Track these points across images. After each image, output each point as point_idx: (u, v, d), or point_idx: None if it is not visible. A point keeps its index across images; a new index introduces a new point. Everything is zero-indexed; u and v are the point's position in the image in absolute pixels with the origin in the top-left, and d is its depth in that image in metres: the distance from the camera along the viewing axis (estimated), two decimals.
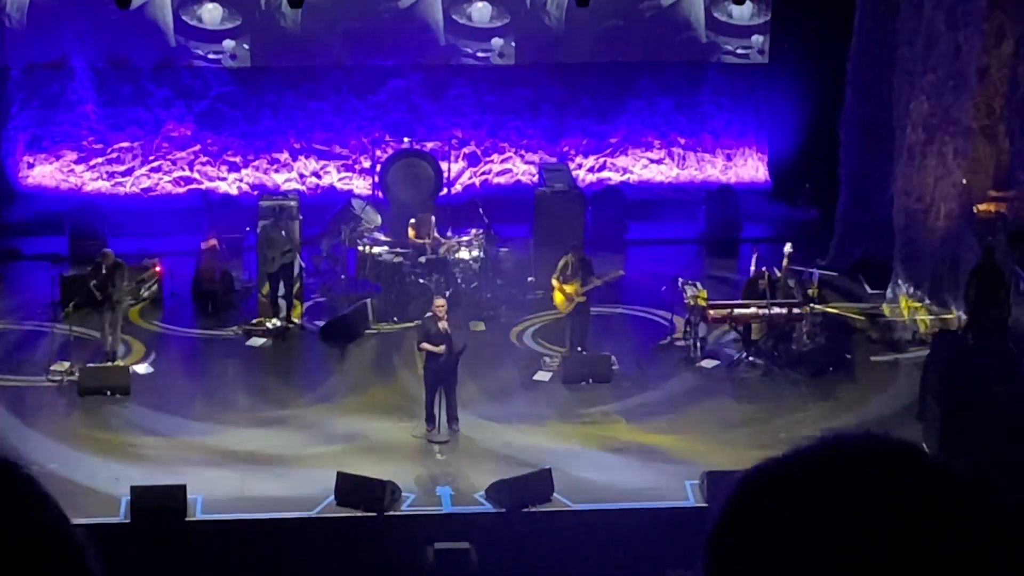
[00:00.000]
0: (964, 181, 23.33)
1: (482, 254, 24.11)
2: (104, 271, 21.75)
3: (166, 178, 28.25)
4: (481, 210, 24.95)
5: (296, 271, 23.38)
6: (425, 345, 19.89)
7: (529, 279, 24.63)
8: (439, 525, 18.00)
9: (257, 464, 19.28)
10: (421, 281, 23.55)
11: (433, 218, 24.58)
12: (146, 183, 28.20)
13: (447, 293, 21.89)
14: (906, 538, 1.87)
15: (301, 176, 28.36)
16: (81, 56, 27.52)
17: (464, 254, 24.08)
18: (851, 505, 1.89)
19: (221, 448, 19.69)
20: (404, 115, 28.29)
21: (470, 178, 28.65)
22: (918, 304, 23.66)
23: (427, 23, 28.08)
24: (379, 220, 25.23)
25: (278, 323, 23.20)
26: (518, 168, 28.77)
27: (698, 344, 22.44)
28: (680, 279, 23.20)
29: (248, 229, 24.62)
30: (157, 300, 24.32)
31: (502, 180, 28.74)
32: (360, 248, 24.28)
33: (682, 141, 29.15)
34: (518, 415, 20.71)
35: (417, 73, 28.25)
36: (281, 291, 23.29)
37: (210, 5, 27.79)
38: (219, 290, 24.05)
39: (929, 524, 1.88)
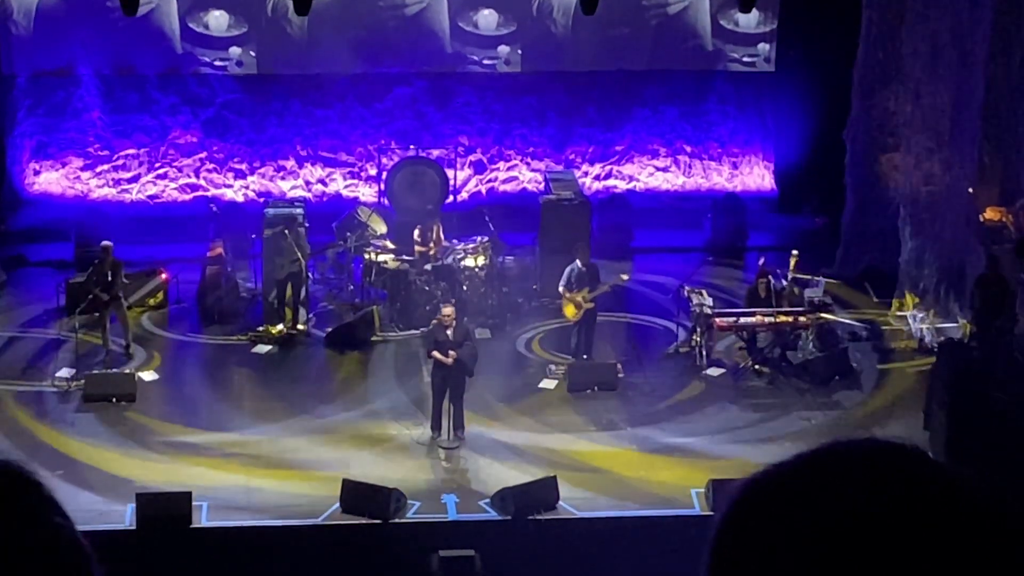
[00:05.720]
0: (971, 190, 23.30)
1: (488, 262, 24.10)
2: (105, 268, 21.95)
3: (172, 185, 28.27)
4: (487, 218, 24.94)
5: (303, 278, 23.39)
6: (435, 354, 19.88)
7: (534, 287, 24.63)
8: (444, 533, 17.98)
9: (262, 471, 19.28)
10: (427, 288, 23.54)
11: (439, 226, 24.59)
12: (152, 190, 28.23)
13: (452, 301, 21.86)
14: (909, 541, 1.86)
15: (307, 183, 28.37)
16: (87, 63, 27.54)
17: (470, 262, 24.05)
18: (854, 509, 1.87)
19: (226, 455, 19.68)
20: (410, 123, 28.30)
21: (476, 186, 28.66)
22: (924, 313, 23.63)
23: (433, 31, 28.09)
24: (385, 227, 25.24)
25: (284, 330, 23.20)
26: (524, 176, 28.76)
27: (704, 352, 22.43)
28: (686, 287, 23.22)
29: (254, 236, 24.63)
30: (163, 307, 24.36)
31: (508, 188, 28.74)
32: (366, 255, 24.29)
33: (688, 149, 29.15)
34: (523, 423, 20.70)
35: (423, 81, 28.26)
36: (288, 298, 23.30)
37: (216, 12, 27.81)
38: (225, 297, 24.06)
39: (933, 526, 1.87)
